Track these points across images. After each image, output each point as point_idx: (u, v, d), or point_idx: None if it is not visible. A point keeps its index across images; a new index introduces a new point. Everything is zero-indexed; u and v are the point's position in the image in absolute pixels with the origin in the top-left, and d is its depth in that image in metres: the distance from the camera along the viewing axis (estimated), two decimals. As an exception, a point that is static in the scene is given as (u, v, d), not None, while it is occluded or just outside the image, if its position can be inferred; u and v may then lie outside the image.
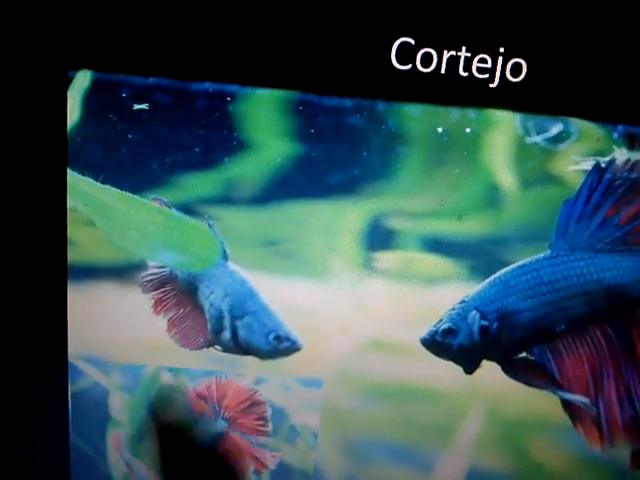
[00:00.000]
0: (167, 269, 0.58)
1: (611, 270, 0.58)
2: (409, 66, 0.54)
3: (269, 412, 0.62)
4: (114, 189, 0.56)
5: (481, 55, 0.54)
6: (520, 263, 0.58)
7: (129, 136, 0.55)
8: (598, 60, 0.55)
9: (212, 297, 0.59)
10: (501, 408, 0.62)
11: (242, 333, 0.59)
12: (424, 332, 0.60)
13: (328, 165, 0.56)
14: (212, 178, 0.56)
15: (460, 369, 0.60)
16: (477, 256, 0.58)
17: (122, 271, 0.58)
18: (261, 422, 0.62)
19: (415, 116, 0.55)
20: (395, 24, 0.53)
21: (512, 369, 0.61)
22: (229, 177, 0.56)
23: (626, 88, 0.55)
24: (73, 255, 0.57)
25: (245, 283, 0.58)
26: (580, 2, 0.53)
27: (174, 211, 0.56)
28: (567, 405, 0.61)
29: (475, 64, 0.54)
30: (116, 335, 0.60)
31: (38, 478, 0.63)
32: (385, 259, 0.58)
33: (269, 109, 0.55)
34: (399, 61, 0.54)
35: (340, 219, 0.57)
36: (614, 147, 0.57)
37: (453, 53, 0.54)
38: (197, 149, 0.55)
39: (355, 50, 0.54)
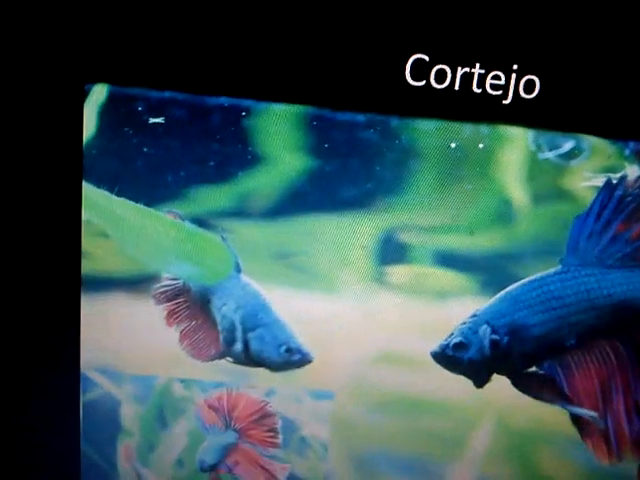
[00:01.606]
0: (180, 281, 0.58)
1: (621, 285, 0.58)
2: (423, 82, 0.54)
3: (280, 424, 0.62)
4: (129, 201, 0.56)
5: (495, 72, 0.54)
6: (531, 278, 0.59)
7: (144, 149, 0.55)
8: (610, 78, 0.55)
9: (224, 309, 0.59)
10: (511, 421, 0.62)
11: (254, 345, 0.59)
12: (435, 346, 0.60)
13: (341, 179, 0.56)
14: (226, 191, 0.56)
15: (470, 383, 0.61)
16: (488, 271, 0.59)
17: (135, 283, 0.58)
18: (271, 434, 0.62)
19: (428, 131, 0.56)
20: (410, 41, 0.54)
21: (522, 383, 0.61)
22: (243, 191, 0.56)
23: (638, 105, 0.56)
24: (86, 266, 0.58)
25: (258, 295, 0.59)
26: (593, 20, 0.54)
27: (188, 224, 0.57)
28: (576, 419, 0.62)
29: (489, 81, 0.54)
30: (128, 346, 0.60)
31: (48, 487, 0.64)
32: (397, 273, 0.59)
33: (283, 124, 0.55)
34: (413, 77, 0.54)
35: (352, 233, 0.58)
36: (625, 164, 0.57)
37: (467, 70, 0.54)
38: (212, 163, 0.56)
39: (370, 66, 0.54)
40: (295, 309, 0.59)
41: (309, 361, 0.60)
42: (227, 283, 0.58)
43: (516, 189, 0.57)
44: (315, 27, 0.53)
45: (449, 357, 0.60)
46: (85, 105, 0.54)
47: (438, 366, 0.60)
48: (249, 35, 0.53)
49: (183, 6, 0.52)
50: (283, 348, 0.59)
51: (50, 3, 0.52)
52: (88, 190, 0.56)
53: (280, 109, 0.55)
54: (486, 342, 0.59)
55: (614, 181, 0.57)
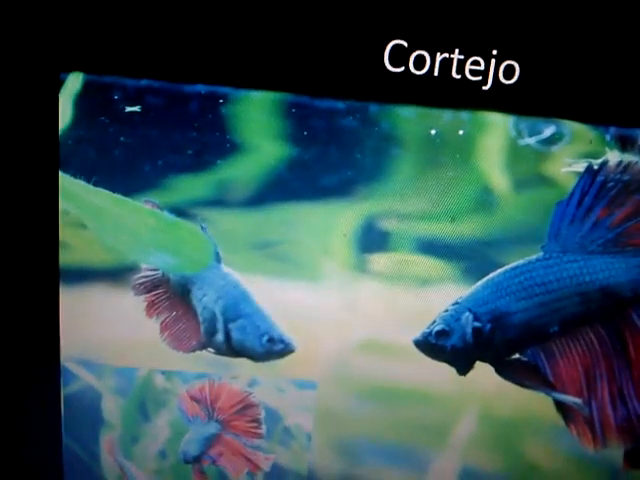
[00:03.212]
0: (159, 271, 0.58)
1: (603, 271, 0.58)
2: (402, 68, 0.54)
3: (263, 414, 0.62)
4: (106, 192, 0.56)
5: (474, 57, 0.54)
6: (513, 265, 0.58)
7: (121, 139, 0.55)
8: (591, 62, 0.55)
9: (205, 300, 0.58)
10: (494, 409, 0.62)
11: (235, 335, 0.59)
12: (417, 334, 0.60)
13: (321, 167, 0.56)
14: (205, 180, 0.56)
15: (454, 370, 0.61)
16: (470, 258, 0.58)
17: (114, 274, 0.58)
18: (255, 424, 0.62)
19: (408, 118, 0.55)
20: (388, 26, 0.53)
21: (505, 370, 0.61)
22: (222, 179, 0.56)
23: (618, 90, 0.56)
24: (65, 258, 0.57)
25: (238, 285, 0.58)
26: (572, 4, 0.53)
27: (166, 213, 0.56)
28: (560, 406, 0.62)
29: (468, 66, 0.54)
30: (108, 338, 0.60)
31: (31, 481, 0.63)
32: (378, 261, 0.58)
33: (262, 111, 0.55)
34: (392, 63, 0.54)
35: (333, 221, 0.57)
36: (606, 149, 0.57)
37: (446, 55, 0.54)
38: (189, 151, 0.55)
39: (348, 52, 0.54)
40: (276, 298, 0.59)
41: (291, 351, 0.60)
42: (207, 273, 0.58)
43: (497, 175, 0.57)
44: (293, 14, 0.53)
45: (432, 345, 0.59)
46: (60, 94, 0.54)
47: (421, 354, 0.60)
48: (226, 22, 0.53)
49: (158, -8, 0.52)
50: (265, 338, 0.59)
51: (23, -10, 0.51)
52: (65, 180, 0.55)
53: (258, 96, 0.55)
54: (468, 329, 0.59)
55: (595, 166, 0.57)
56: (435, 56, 0.54)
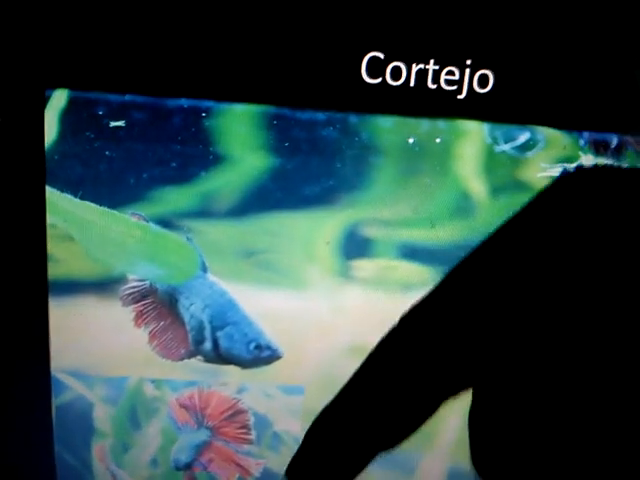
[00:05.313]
0: (147, 282, 0.59)
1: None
2: (379, 79, 0.55)
3: (252, 420, 0.63)
4: (93, 205, 0.57)
5: (449, 67, 0.55)
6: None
7: (106, 153, 0.56)
8: (563, 69, 0.56)
9: (192, 308, 0.60)
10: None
11: (223, 343, 0.60)
12: (401, 338, 0.61)
13: (303, 177, 0.57)
14: (189, 192, 0.57)
15: (438, 373, 0.61)
16: (451, 262, 0.59)
17: (102, 285, 0.59)
18: (244, 430, 0.63)
19: (386, 128, 0.57)
20: (364, 39, 0.55)
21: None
22: (206, 191, 0.57)
23: (591, 96, 0.57)
24: (53, 270, 0.58)
25: (225, 294, 0.59)
26: (544, 14, 0.55)
27: (152, 225, 0.57)
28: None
29: (443, 76, 0.56)
30: (98, 348, 0.60)
31: (24, 492, 0.64)
32: (362, 267, 0.60)
33: (244, 123, 0.56)
34: (369, 75, 0.55)
35: (317, 229, 0.58)
36: (580, 154, 0.58)
37: (422, 66, 0.55)
38: (174, 164, 0.56)
39: (326, 65, 0.55)
40: (263, 306, 0.60)
41: (278, 357, 0.61)
42: (194, 283, 0.59)
43: (474, 182, 0.58)
44: (272, 28, 0.54)
45: (415, 348, 0.60)
46: (46, 110, 0.55)
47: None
48: (207, 37, 0.54)
49: (140, 11, 0.53)
50: (252, 345, 0.60)
51: (9, 10, 0.52)
52: (52, 195, 0.56)
53: (240, 109, 0.56)
54: (451, 332, 0.60)
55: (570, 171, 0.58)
56: (411, 67, 0.55)
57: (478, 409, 0.34)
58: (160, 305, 0.60)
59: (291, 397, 0.63)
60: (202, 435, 0.63)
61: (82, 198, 0.56)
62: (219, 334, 0.60)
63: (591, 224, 0.29)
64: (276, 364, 0.61)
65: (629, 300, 0.28)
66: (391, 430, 0.33)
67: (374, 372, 0.33)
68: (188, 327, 0.60)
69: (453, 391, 0.33)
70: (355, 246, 0.59)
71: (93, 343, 0.60)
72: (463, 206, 0.58)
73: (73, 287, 0.59)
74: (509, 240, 0.31)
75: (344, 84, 0.55)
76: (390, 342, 0.33)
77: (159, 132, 0.56)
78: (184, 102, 0.55)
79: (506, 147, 0.57)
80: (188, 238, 0.58)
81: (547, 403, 0.29)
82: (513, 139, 0.57)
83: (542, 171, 0.58)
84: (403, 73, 0.55)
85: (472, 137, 0.57)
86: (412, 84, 0.55)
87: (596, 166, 0.32)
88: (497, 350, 0.31)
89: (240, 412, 0.63)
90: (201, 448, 0.64)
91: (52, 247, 0.57)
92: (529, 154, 0.58)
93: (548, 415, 0.30)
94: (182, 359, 0.61)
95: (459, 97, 0.56)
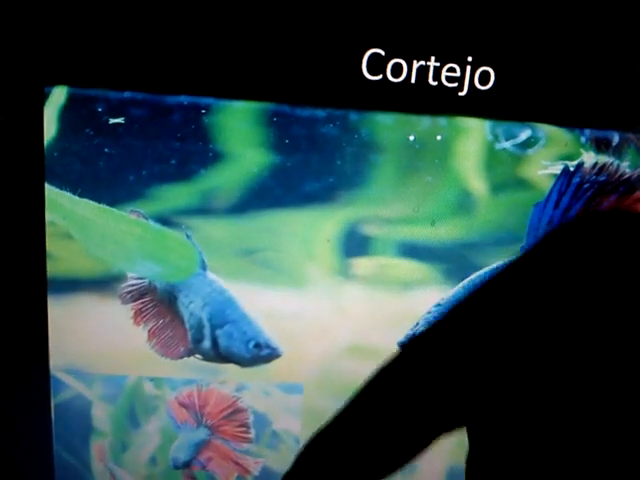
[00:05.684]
0: (146, 280, 0.59)
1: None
2: (380, 76, 0.55)
3: (251, 419, 0.63)
4: (92, 202, 0.56)
5: (450, 64, 0.55)
6: (493, 266, 0.59)
7: (105, 150, 0.56)
8: (565, 66, 0.56)
9: (192, 307, 0.59)
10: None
11: (222, 341, 0.60)
12: (402, 336, 0.60)
13: (303, 174, 0.57)
14: (189, 189, 0.57)
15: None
16: (451, 260, 0.59)
17: (101, 283, 0.58)
18: (243, 429, 0.63)
19: (387, 125, 0.57)
20: (365, 36, 0.54)
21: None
22: (206, 188, 0.57)
23: (593, 93, 0.57)
24: (52, 268, 0.58)
25: (224, 292, 0.59)
26: (545, 11, 0.55)
27: (152, 223, 0.57)
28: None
29: (444, 73, 0.55)
30: (97, 346, 0.60)
31: (23, 490, 0.64)
32: (362, 265, 0.59)
33: (244, 121, 0.56)
34: (370, 72, 0.55)
35: (316, 227, 0.58)
36: (582, 151, 0.58)
37: (422, 63, 0.55)
38: (173, 161, 0.56)
39: (327, 62, 0.55)
40: (262, 304, 0.60)
41: (278, 355, 0.60)
42: (193, 280, 0.59)
43: (475, 179, 0.58)
44: (272, 25, 0.54)
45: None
46: (45, 107, 0.55)
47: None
48: (206, 34, 0.54)
49: (140, 7, 0.53)
50: (252, 343, 0.60)
51: (8, 7, 0.52)
52: (51, 192, 0.56)
53: (240, 106, 0.56)
54: (451, 331, 0.60)
55: (571, 168, 0.58)
56: (412, 64, 0.55)
57: (476, 456, 0.33)
58: (159, 303, 0.59)
59: (290, 395, 0.62)
60: (201, 434, 0.63)
61: (81, 195, 0.56)
62: (218, 332, 0.60)
63: (597, 268, 0.28)
64: (275, 362, 0.61)
65: (634, 353, 0.27)
66: (381, 463, 0.33)
67: (366, 403, 0.32)
68: (187, 325, 0.60)
69: (447, 428, 0.32)
70: (355, 244, 0.59)
71: (92, 341, 0.60)
72: (464, 204, 0.58)
73: (72, 285, 0.58)
74: (513, 281, 0.30)
75: (344, 81, 0.55)
76: (384, 375, 0.32)
77: (159, 129, 0.55)
78: (184, 99, 0.55)
79: (507, 144, 0.57)
80: (187, 236, 0.57)
81: (547, 450, 0.29)
82: (514, 136, 0.57)
83: (543, 168, 0.58)
84: (404, 70, 0.55)
85: (473, 134, 0.57)
86: (413, 81, 0.55)
87: (602, 211, 0.31)
88: (495, 393, 0.30)
89: (239, 411, 0.63)
90: (200, 447, 0.63)
91: (51, 245, 0.57)
92: (530, 151, 0.57)
93: (549, 463, 0.29)
94: (181, 357, 0.60)
95: (460, 94, 0.56)
